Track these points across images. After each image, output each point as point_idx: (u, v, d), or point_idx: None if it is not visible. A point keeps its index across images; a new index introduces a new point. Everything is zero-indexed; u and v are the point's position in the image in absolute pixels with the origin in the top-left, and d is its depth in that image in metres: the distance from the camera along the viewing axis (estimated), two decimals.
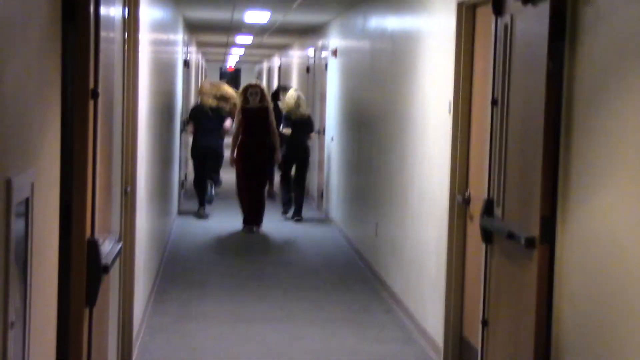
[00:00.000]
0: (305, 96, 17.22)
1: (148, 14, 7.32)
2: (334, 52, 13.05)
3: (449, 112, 6.38)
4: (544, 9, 4.21)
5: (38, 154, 2.92)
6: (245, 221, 11.97)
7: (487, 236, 5.02)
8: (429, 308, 6.89)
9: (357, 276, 9.43)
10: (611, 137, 3.67)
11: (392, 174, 8.53)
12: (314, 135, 13.74)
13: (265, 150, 11.95)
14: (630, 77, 3.52)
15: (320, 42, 15.05)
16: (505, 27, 4.79)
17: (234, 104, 12.46)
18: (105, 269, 3.45)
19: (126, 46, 5.58)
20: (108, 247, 3.73)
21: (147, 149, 7.45)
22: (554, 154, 4.16)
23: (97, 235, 3.54)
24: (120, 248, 4.03)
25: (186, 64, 15.15)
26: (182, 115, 14.31)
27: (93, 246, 3.40)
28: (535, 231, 4.22)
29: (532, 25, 4.42)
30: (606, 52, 3.77)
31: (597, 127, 3.79)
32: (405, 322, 7.57)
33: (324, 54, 14.53)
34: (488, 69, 5.69)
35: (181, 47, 13.80)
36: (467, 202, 6.19)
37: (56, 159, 3.26)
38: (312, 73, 16.28)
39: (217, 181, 14.23)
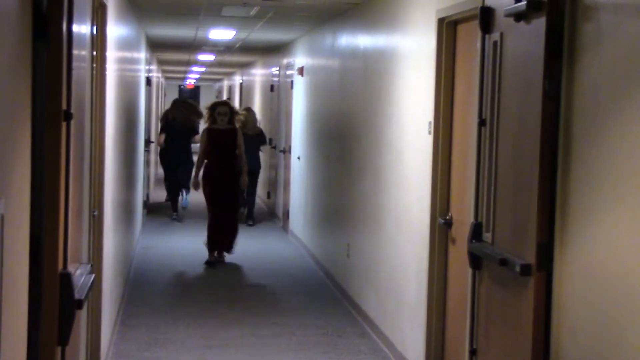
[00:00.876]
0: (270, 114, 17.03)
1: (114, 31, 7.07)
2: (301, 71, 12.85)
3: (429, 132, 6.19)
4: (539, 25, 4.02)
5: (7, 183, 2.66)
6: (211, 249, 10.81)
7: (476, 261, 4.81)
8: (408, 334, 6.66)
9: (329, 298, 9.19)
10: (615, 158, 3.48)
11: (365, 195, 8.32)
12: (266, 147, 15.51)
13: (234, 174, 10.77)
14: (636, 96, 3.33)
15: (285, 60, 14.84)
16: (495, 44, 4.60)
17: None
18: (79, 304, 3.19)
19: (94, 64, 5.33)
20: (81, 279, 3.47)
21: (114, 170, 7.18)
22: (550, 177, 3.97)
23: (69, 266, 3.27)
24: (94, 279, 3.77)
25: (148, 82, 14.86)
26: (145, 134, 14.03)
27: (66, 280, 3.14)
28: (531, 258, 4.02)
29: (525, 43, 4.22)
30: (609, 70, 3.58)
31: (600, 147, 3.60)
32: (381, 348, 7.34)
33: (289, 72, 14.32)
34: (471, 88, 5.50)
35: (144, 65, 13.52)
36: (448, 224, 5.98)
37: (26, 187, 3.00)
38: (277, 91, 16.05)
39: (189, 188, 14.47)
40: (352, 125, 9.06)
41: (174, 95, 36.94)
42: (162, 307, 8.62)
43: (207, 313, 8.48)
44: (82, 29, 3.85)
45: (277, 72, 15.92)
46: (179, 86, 40.15)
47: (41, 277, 3.07)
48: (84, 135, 3.97)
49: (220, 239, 10.87)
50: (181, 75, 32.06)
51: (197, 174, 10.95)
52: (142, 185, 13.74)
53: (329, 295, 9.36)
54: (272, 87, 16.74)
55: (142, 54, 12.89)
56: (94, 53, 5.29)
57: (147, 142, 15.02)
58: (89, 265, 3.84)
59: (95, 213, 5.71)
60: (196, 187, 10.99)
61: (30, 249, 3.07)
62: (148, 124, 15.61)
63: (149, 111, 16.15)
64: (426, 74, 6.29)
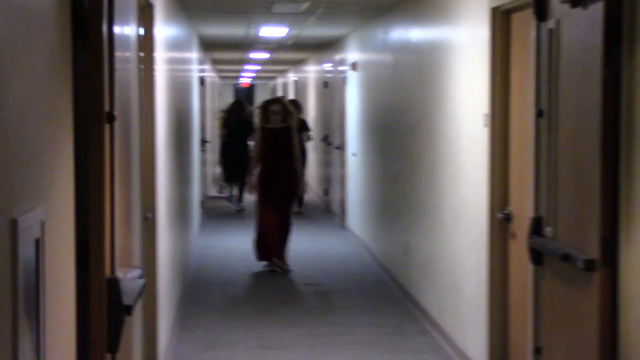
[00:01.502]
0: (324, 111, 16.93)
1: (163, 32, 7.02)
2: (354, 66, 12.73)
3: (485, 124, 6.03)
4: (597, 11, 3.86)
5: (49, 189, 2.59)
6: (261, 257, 10.29)
7: (537, 257, 4.66)
8: (469, 331, 6.52)
9: (388, 296, 9.06)
10: None
11: (421, 190, 8.17)
12: (310, 134, 16.32)
13: (289, 177, 10.14)
14: None
15: (338, 56, 14.73)
16: (550, 32, 4.44)
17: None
18: (128, 310, 3.11)
19: (142, 65, 5.26)
20: (130, 284, 3.39)
21: (166, 171, 7.14)
22: (613, 169, 3.80)
23: (117, 272, 3.20)
24: (144, 284, 3.70)
25: (202, 81, 14.86)
26: (200, 134, 14.03)
27: (114, 285, 3.06)
28: (595, 253, 3.86)
29: (582, 30, 4.06)
30: None
31: None
32: (443, 346, 7.20)
33: (342, 68, 14.21)
34: (527, 78, 5.34)
35: (196, 65, 13.51)
36: (507, 219, 5.82)
37: (70, 191, 2.92)
38: (331, 88, 15.95)
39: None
40: (407, 119, 8.92)
41: (229, 94, 37.05)
42: (219, 307, 8.57)
43: (263, 313, 8.41)
44: (125, 29, 3.78)
45: (330, 69, 15.82)
46: (234, 85, 40.24)
47: (88, 283, 3.00)
48: (130, 136, 3.90)
49: (272, 244, 10.19)
50: (235, 74, 32.12)
51: (252, 176, 10.35)
52: (199, 185, 13.74)
53: (387, 292, 9.24)
54: (325, 84, 16.65)
55: (194, 54, 12.87)
56: (141, 54, 5.22)
57: (203, 141, 15.05)
58: (139, 269, 3.77)
59: (149, 215, 5.66)
60: (251, 190, 10.47)
61: (76, 255, 3.01)
62: (203, 124, 15.61)
63: (204, 111, 16.15)
64: (480, 66, 6.13)
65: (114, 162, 3.19)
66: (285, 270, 10.13)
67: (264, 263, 10.32)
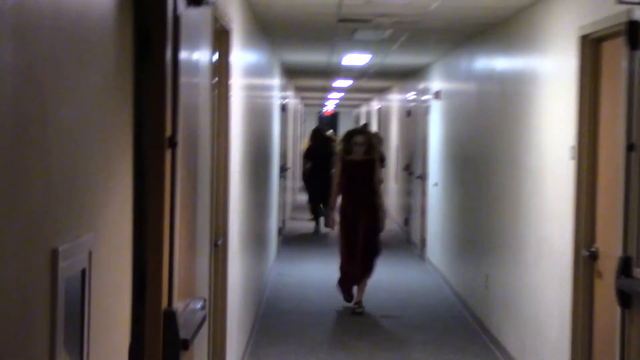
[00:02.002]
0: (406, 140, 16.72)
1: (241, 58, 6.92)
2: (437, 95, 12.51)
3: (572, 157, 5.76)
4: None
5: (100, 216, 2.44)
6: (342, 288, 9.82)
7: (625, 299, 4.39)
8: None
9: (467, 332, 8.77)
10: None
11: (504, 223, 7.90)
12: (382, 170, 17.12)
13: (371, 212, 9.55)
14: None
15: (421, 85, 14.52)
16: None
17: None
18: (185, 345, 2.94)
19: (216, 91, 5.14)
20: (190, 317, 3.23)
21: (241, 197, 7.01)
22: None
23: (176, 303, 3.04)
24: (205, 315, 3.54)
25: (283, 108, 14.79)
26: (280, 161, 13.94)
27: (170, 318, 2.90)
28: None
29: None
30: None
31: None
32: None
33: (425, 97, 13.99)
34: (617, 110, 5.08)
35: (278, 92, 13.44)
36: (594, 257, 5.53)
37: (126, 218, 2.78)
38: (413, 116, 15.74)
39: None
40: (490, 150, 8.67)
41: (313, 121, 37.07)
42: (293, 337, 8.39)
43: (337, 345, 8.21)
44: (195, 54, 3.64)
45: (414, 97, 15.62)
46: (318, 113, 40.27)
47: (143, 315, 2.85)
48: (197, 162, 3.76)
49: (355, 281, 9.68)
50: (319, 102, 32.11)
51: (333, 209, 9.91)
52: (277, 212, 13.63)
53: (466, 328, 8.95)
54: (408, 112, 16.45)
55: (275, 80, 12.80)
56: (215, 80, 5.11)
57: (283, 168, 14.96)
58: (202, 300, 3.61)
59: (220, 242, 5.52)
60: (332, 226, 9.95)
61: (133, 285, 2.86)
62: (284, 151, 15.54)
63: (285, 138, 16.08)
64: (567, 96, 5.87)
65: (176, 187, 3.04)
66: (357, 312, 9.50)
67: (350, 302, 9.77)
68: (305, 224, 17.95)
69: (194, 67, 3.61)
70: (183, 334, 2.95)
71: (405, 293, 10.83)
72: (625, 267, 4.37)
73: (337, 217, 9.74)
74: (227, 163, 5.66)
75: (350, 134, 9.85)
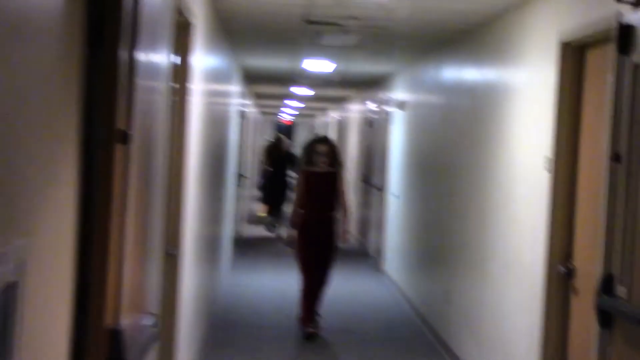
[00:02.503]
0: (366, 151, 16.44)
1: (202, 61, 6.58)
2: (400, 105, 12.24)
3: (547, 169, 5.49)
4: None
5: (36, 219, 2.09)
6: (305, 319, 8.86)
7: (605, 319, 4.10)
8: None
9: (426, 348, 8.47)
10: None
11: (468, 237, 7.62)
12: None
13: (333, 229, 8.84)
14: None
15: (383, 95, 14.25)
16: (636, 68, 3.91)
17: None
18: None
19: (176, 96, 4.80)
20: (138, 335, 2.88)
21: (197, 204, 6.66)
22: None
23: (124, 320, 2.69)
24: (156, 334, 3.19)
25: (242, 115, 14.44)
26: (237, 168, 13.58)
27: (116, 337, 2.55)
28: None
29: None
30: None
31: None
32: None
33: (387, 107, 13.72)
34: (601, 120, 4.81)
35: (237, 98, 13.08)
36: (570, 274, 5.25)
37: (69, 222, 2.43)
38: (374, 127, 15.47)
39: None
40: (456, 163, 8.39)
41: (270, 130, 36.72)
42: (246, 352, 8.03)
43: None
44: (155, 46, 3.30)
45: (375, 108, 15.34)
46: (276, 122, 39.95)
47: (85, 334, 2.50)
48: (153, 166, 3.41)
49: (315, 302, 8.92)
50: (277, 111, 31.78)
51: (293, 224, 8.90)
52: (233, 221, 13.26)
53: (426, 344, 8.65)
54: (368, 122, 16.17)
55: (235, 86, 12.46)
56: (175, 84, 4.77)
57: (240, 176, 14.60)
58: (153, 316, 3.26)
59: (173, 252, 5.17)
60: (291, 244, 8.91)
61: (73, 299, 2.51)
62: (241, 159, 15.18)
63: (243, 146, 15.72)
64: (544, 106, 5.60)
65: (128, 188, 2.70)
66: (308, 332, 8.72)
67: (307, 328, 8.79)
68: (262, 232, 17.61)
69: (151, 68, 3.27)
70: (130, 355, 2.60)
71: (362, 307, 10.52)
72: (607, 285, 4.09)
73: (295, 236, 8.84)
74: (183, 169, 5.31)
75: (312, 144, 9.10)
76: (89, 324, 2.50)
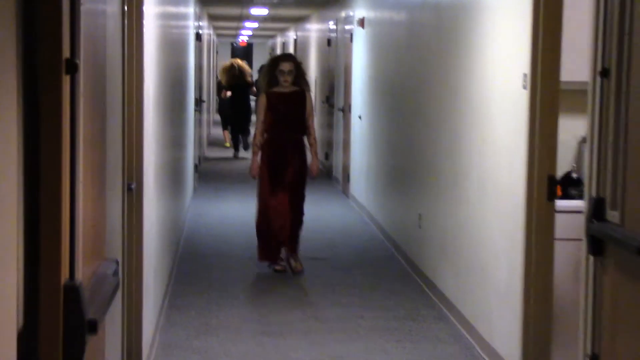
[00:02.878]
0: (327, 71, 16.07)
1: None
2: (361, 22, 11.87)
3: (524, 86, 5.22)
4: None
5: None
6: (266, 256, 8.20)
7: (596, 246, 3.87)
8: (498, 323, 5.74)
9: (399, 274, 8.28)
10: None
11: (440, 158, 7.37)
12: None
13: (300, 154, 8.15)
14: None
15: (343, 13, 13.86)
16: None
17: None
18: (93, 327, 2.32)
19: (126, 20, 4.45)
20: (98, 288, 2.60)
21: (156, 133, 6.34)
22: None
23: (80, 272, 2.41)
24: (118, 282, 2.91)
25: (198, 37, 14.00)
26: (195, 93, 13.20)
27: (73, 293, 2.27)
28: None
29: None
30: None
31: None
32: (463, 334, 6.43)
33: (347, 27, 13.35)
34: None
35: (192, 21, 12.64)
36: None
37: (12, 161, 2.12)
38: (334, 46, 15.10)
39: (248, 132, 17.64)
40: (423, 81, 8.10)
41: (227, 52, 36.14)
42: (214, 284, 7.79)
43: (262, 291, 7.67)
44: None
45: (335, 27, 14.96)
46: (232, 43, 39.32)
47: (37, 291, 2.21)
48: (104, 95, 3.09)
49: (282, 239, 8.14)
50: (233, 32, 31.20)
51: (256, 154, 8.12)
52: (194, 147, 12.93)
53: (398, 270, 8.46)
54: (329, 42, 15.80)
55: (190, 9, 12.01)
56: (126, 8, 4.41)
57: (198, 101, 14.21)
58: (115, 262, 2.97)
59: (133, 186, 4.86)
60: (255, 172, 8.12)
61: (22, 251, 2.21)
62: (199, 82, 14.78)
63: (200, 69, 15.30)
64: (519, 18, 5.31)
65: (77, 121, 2.39)
66: (296, 271, 8.14)
67: (266, 264, 8.26)
68: (223, 157, 17.31)
69: None
70: (90, 312, 2.32)
71: (330, 231, 10.29)
72: (597, 210, 3.86)
73: (257, 163, 8.10)
74: (141, 97, 4.98)
75: (275, 61, 8.23)
76: (41, 279, 2.21)
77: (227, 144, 18.71)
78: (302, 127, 8.12)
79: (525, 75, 5.20)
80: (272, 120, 8.06)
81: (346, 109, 13.31)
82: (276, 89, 8.12)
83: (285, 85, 8.09)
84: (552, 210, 5.12)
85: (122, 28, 4.28)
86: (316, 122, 17.28)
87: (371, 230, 10.37)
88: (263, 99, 8.14)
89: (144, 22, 5.05)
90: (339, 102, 14.16)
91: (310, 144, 8.20)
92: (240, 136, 17.71)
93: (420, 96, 8.22)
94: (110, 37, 3.63)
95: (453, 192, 6.91)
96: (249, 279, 8.09)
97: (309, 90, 8.24)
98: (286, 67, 8.09)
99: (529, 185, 5.16)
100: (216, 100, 21.68)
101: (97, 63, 2.87)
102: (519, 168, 5.29)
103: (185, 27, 10.98)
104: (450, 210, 7.01)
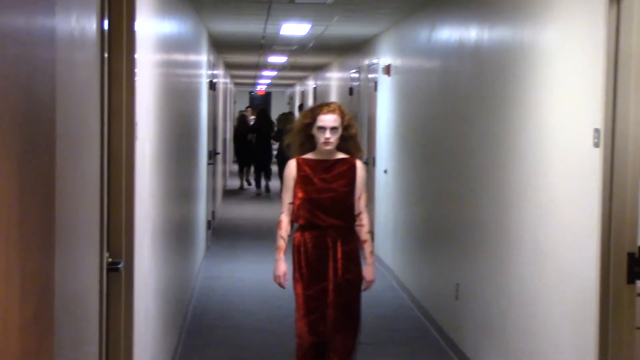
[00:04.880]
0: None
1: (154, 26, 5.38)
2: (387, 70, 11.02)
3: (595, 144, 4.32)
4: None
5: None
6: None
7: None
8: None
9: (434, 352, 7.30)
10: None
11: (481, 222, 6.46)
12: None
13: (351, 253, 5.47)
14: None
15: (366, 61, 13.04)
16: None
17: None
18: None
19: (107, 68, 3.61)
20: None
21: (157, 194, 5.48)
22: None
23: None
24: None
25: (212, 86, 13.17)
26: (208, 144, 12.34)
27: None
28: None
29: None
30: None
31: None
32: None
33: (371, 75, 12.50)
34: None
35: (206, 69, 11.81)
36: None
37: None
38: (356, 95, 14.26)
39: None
40: (459, 134, 7.22)
41: (244, 102, 35.48)
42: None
43: None
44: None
45: (357, 75, 14.13)
46: (250, 92, 38.70)
47: None
48: (52, 168, 2.21)
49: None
50: (251, 81, 30.53)
51: (282, 251, 5.53)
52: (206, 203, 12.05)
53: (433, 346, 7.48)
54: (350, 91, 14.96)
55: (203, 56, 11.20)
56: (105, 54, 3.56)
57: (212, 154, 13.31)
58: None
59: (121, 265, 3.97)
60: (282, 280, 5.53)
61: None
62: (213, 133, 13.92)
63: (214, 119, 14.46)
64: (589, 63, 4.43)
65: None
66: None
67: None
68: (240, 212, 16.43)
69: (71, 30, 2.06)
70: None
71: None
72: None
73: (283, 265, 5.52)
74: (132, 155, 4.11)
75: (313, 113, 5.53)
76: None
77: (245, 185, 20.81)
78: (351, 212, 5.52)
79: (597, 130, 4.30)
80: (306, 200, 5.48)
81: (370, 162, 12.43)
82: (312, 155, 5.54)
83: (327, 149, 5.49)
84: (634, 295, 4.19)
85: (102, 77, 3.42)
86: None
87: (400, 298, 9.40)
88: (292, 168, 5.54)
89: (137, 70, 4.20)
90: (364, 154, 13.27)
91: (364, 240, 5.54)
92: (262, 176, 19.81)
93: (456, 150, 7.33)
94: (78, 87, 2.78)
95: (499, 262, 5.99)
96: (264, 355, 7.13)
97: (361, 156, 5.67)
98: (329, 121, 5.44)
99: (604, 264, 4.24)
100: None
101: (34, 118, 1.99)
102: (589, 243, 4.37)
103: (197, 75, 10.16)
104: (495, 283, 6.08)
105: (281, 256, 5.50)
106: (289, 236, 5.51)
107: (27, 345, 1.84)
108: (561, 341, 4.80)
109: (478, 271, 6.55)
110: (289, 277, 5.54)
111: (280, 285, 5.54)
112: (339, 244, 5.41)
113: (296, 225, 5.49)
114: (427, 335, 7.87)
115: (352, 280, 5.45)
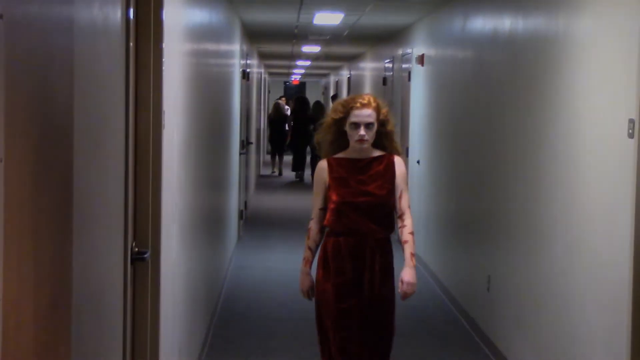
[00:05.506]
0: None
1: (183, 18, 5.36)
2: (421, 59, 10.94)
3: (630, 135, 4.24)
4: None
5: None
6: None
7: None
8: None
9: (465, 343, 7.24)
10: None
11: (514, 213, 6.38)
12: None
13: (387, 264, 4.87)
14: None
15: (400, 51, 12.95)
16: None
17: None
18: None
19: (132, 58, 3.59)
20: None
21: (186, 185, 5.46)
22: None
23: None
24: None
25: (245, 75, 13.14)
26: (241, 134, 12.32)
27: None
28: None
29: None
30: None
31: None
32: None
33: (405, 65, 12.41)
34: None
35: (238, 59, 11.78)
36: None
37: None
38: (390, 85, 14.18)
39: None
40: (494, 124, 7.14)
41: (279, 92, 35.44)
42: (255, 354, 6.83)
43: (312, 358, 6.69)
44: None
45: (391, 65, 14.05)
46: (284, 82, 38.67)
47: None
48: (70, 162, 2.18)
49: None
50: (286, 71, 30.50)
51: (308, 262, 4.97)
52: (239, 192, 12.04)
53: (465, 338, 7.42)
54: (384, 81, 14.88)
55: (235, 45, 11.17)
56: (131, 44, 3.54)
57: (244, 143, 13.28)
58: None
59: (147, 255, 3.95)
60: (307, 292, 5.01)
61: None
62: (246, 123, 13.90)
63: (248, 109, 14.44)
64: (625, 54, 4.34)
65: None
66: None
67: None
68: (273, 202, 16.41)
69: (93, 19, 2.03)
70: None
71: None
72: None
73: (308, 280, 4.98)
74: (159, 145, 4.08)
75: (345, 107, 4.85)
76: None
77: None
78: (390, 217, 4.90)
79: (631, 121, 4.22)
80: (342, 204, 4.83)
81: (403, 153, 12.35)
82: (344, 154, 4.91)
83: (362, 147, 4.84)
84: None
85: (127, 66, 3.39)
86: None
87: (431, 288, 9.34)
88: (324, 170, 4.92)
89: (165, 59, 4.18)
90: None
91: (404, 240, 4.86)
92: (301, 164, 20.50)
93: (489, 141, 7.25)
94: (100, 75, 2.75)
95: (531, 253, 5.91)
96: (295, 346, 7.10)
97: (399, 152, 5.00)
98: (364, 117, 4.78)
99: (637, 257, 4.16)
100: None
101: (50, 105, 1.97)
102: (622, 235, 4.29)
103: (229, 65, 10.13)
104: (527, 275, 6.00)
105: (307, 269, 4.93)
106: (318, 245, 4.97)
107: (41, 336, 1.81)
108: (595, 334, 4.72)
109: (509, 264, 6.47)
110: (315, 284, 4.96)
111: (305, 296, 5.03)
112: (377, 254, 4.79)
113: (327, 229, 4.90)
114: (458, 326, 7.81)
115: (387, 295, 4.89)
